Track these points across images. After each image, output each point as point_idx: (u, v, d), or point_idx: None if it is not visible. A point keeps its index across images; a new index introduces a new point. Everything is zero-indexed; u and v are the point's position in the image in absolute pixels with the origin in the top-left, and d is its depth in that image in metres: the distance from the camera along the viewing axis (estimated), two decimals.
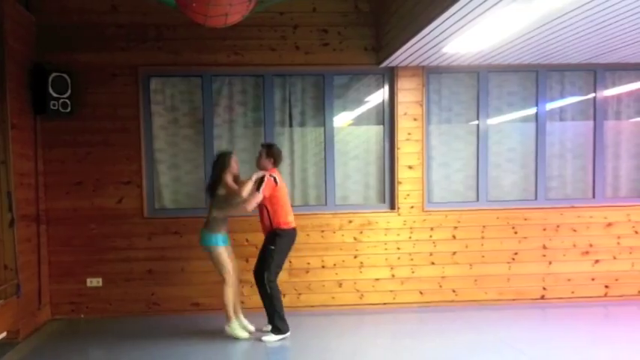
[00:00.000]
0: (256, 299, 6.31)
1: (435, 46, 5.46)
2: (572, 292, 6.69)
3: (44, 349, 5.32)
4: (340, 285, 6.53)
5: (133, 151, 6.29)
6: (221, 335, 5.55)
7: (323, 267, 6.47)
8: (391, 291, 6.56)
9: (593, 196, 6.78)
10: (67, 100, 5.98)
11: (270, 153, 5.50)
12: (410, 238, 6.56)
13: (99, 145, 6.24)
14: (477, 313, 6.29)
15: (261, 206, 5.39)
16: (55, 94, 5.90)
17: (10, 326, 5.30)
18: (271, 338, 5.40)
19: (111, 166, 6.26)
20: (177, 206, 6.50)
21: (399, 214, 6.55)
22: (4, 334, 5.20)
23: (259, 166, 5.49)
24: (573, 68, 6.65)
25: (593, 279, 6.71)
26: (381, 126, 6.65)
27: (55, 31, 6.12)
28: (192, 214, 6.25)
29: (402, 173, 6.53)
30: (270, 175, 5.35)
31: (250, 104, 6.58)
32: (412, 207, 6.55)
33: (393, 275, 6.56)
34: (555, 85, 6.76)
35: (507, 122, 6.79)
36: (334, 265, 6.50)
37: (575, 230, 6.67)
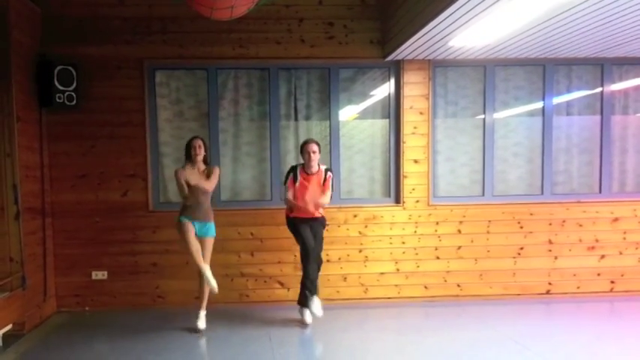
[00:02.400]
0: (260, 293, 6.36)
1: (441, 39, 5.43)
2: (578, 288, 6.67)
3: (49, 342, 5.34)
4: (345, 279, 6.52)
5: (137, 144, 6.29)
6: (226, 327, 5.57)
7: (328, 261, 6.45)
8: (396, 285, 6.56)
9: (600, 191, 6.74)
10: (72, 93, 5.98)
11: None
12: (415, 232, 6.54)
13: (104, 138, 6.25)
14: (481, 307, 6.28)
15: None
16: (60, 87, 5.91)
17: (16, 318, 5.32)
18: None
19: (116, 159, 6.26)
20: None
21: (404, 209, 6.54)
22: (9, 326, 5.23)
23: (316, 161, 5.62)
24: (580, 62, 6.62)
25: (598, 274, 6.68)
26: (387, 120, 6.63)
27: (60, 24, 6.12)
28: None
29: (407, 167, 6.51)
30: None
31: (255, 97, 6.56)
32: (417, 201, 6.53)
33: (397, 269, 6.55)
34: (562, 79, 6.72)
35: (514, 116, 6.76)
36: (339, 259, 6.50)
37: (581, 225, 6.64)
